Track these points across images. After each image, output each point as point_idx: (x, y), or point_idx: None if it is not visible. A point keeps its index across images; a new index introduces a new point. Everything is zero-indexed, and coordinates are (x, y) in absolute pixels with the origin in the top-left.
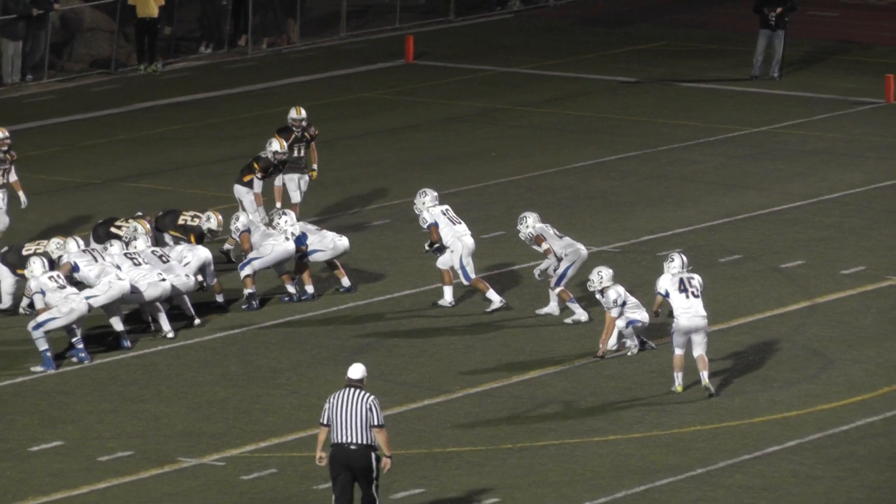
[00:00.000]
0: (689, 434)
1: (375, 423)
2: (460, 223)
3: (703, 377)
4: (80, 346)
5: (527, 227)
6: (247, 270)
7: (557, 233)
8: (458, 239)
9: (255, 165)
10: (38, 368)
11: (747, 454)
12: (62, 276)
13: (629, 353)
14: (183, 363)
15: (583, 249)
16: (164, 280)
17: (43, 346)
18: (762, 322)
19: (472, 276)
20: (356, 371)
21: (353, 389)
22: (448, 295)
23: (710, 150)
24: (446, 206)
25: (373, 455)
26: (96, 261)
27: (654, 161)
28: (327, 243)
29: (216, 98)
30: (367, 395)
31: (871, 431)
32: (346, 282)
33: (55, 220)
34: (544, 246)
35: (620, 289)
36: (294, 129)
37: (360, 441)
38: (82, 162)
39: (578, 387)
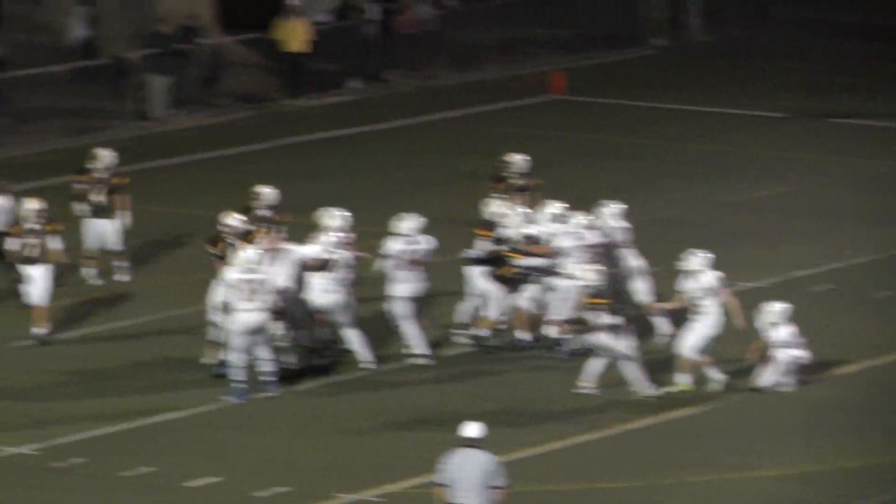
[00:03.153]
0: None
1: (497, 484)
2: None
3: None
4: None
5: None
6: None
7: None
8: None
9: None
10: (230, 397)
11: None
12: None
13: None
14: (337, 400)
15: None
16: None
17: (237, 375)
18: None
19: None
20: (473, 430)
21: (471, 449)
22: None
23: (859, 186)
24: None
25: None
26: None
27: (804, 196)
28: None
29: (362, 134)
30: (488, 455)
31: None
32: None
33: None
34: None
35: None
36: (511, 178)
37: (478, 502)
38: (226, 196)
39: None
